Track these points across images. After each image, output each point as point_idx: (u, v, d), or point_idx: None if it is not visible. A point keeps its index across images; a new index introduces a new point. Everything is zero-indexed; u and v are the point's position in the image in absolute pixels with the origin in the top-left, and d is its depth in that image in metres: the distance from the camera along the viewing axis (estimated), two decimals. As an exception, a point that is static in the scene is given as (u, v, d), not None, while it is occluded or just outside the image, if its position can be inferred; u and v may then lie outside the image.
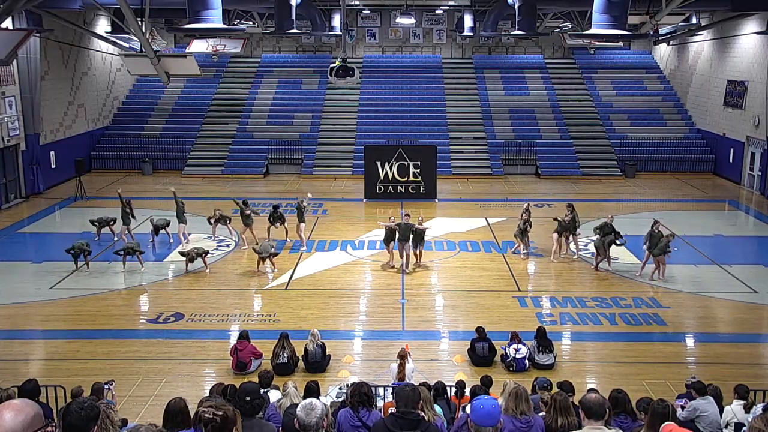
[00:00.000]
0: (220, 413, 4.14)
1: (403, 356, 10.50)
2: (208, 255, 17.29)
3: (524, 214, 18.28)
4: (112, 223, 19.17)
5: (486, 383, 9.41)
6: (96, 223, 19.11)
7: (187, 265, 16.76)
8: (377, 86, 34.10)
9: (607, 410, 5.00)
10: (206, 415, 4.16)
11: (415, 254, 16.94)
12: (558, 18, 28.65)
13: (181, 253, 16.86)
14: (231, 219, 19.27)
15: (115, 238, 18.88)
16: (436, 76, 34.89)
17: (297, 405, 5.04)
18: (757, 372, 11.93)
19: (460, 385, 9.48)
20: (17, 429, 2.91)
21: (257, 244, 17.37)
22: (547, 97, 33.30)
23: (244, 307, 15.11)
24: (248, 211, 18.48)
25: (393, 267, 16.93)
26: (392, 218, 17.40)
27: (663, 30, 31.13)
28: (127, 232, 18.56)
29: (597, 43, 32.01)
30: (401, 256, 16.76)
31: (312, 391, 8.55)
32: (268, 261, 16.80)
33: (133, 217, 18.72)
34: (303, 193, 20.54)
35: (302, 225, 18.60)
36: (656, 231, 16.39)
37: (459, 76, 34.93)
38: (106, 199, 24.19)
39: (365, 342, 13.26)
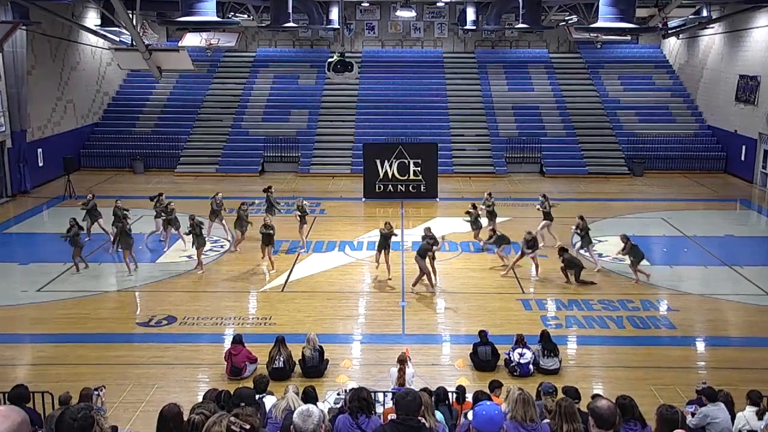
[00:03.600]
0: (247, 427, 4.16)
1: (403, 360, 10.50)
2: (204, 255, 17.35)
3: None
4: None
5: (494, 386, 9.45)
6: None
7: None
8: (377, 82, 34.09)
9: (618, 418, 4.99)
10: (233, 428, 4.18)
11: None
12: (563, 11, 28.61)
13: None
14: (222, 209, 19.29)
15: (111, 239, 18.84)
16: (438, 71, 34.89)
17: (294, 410, 5.05)
18: (769, 377, 11.93)
19: (461, 391, 9.48)
20: (3, 436, 2.91)
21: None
22: (552, 92, 33.30)
23: (239, 309, 15.11)
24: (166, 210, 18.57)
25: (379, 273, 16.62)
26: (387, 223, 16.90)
27: (672, 23, 31.14)
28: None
29: (604, 37, 32.03)
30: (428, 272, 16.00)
31: (309, 396, 8.55)
32: (267, 258, 16.91)
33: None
34: (298, 192, 20.62)
35: (304, 226, 18.70)
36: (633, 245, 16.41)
37: (461, 71, 34.93)
38: (96, 198, 24.13)
39: (364, 346, 13.26)
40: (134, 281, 16.49)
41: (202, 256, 17.19)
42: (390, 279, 16.46)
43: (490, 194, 19.95)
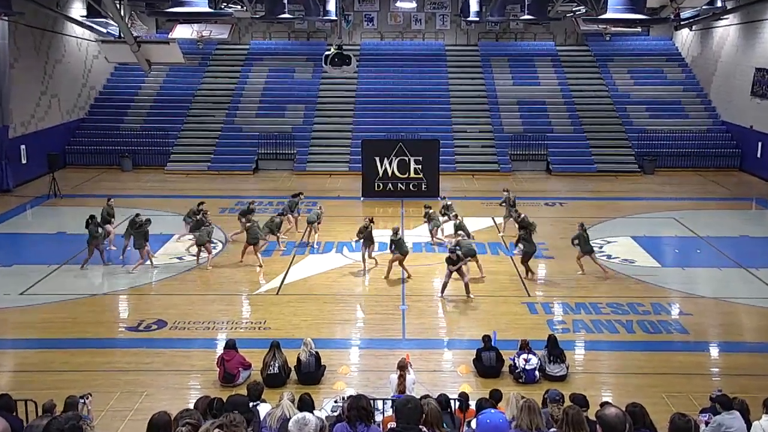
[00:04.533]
0: None
1: (403, 367, 10.51)
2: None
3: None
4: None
5: (496, 398, 9.43)
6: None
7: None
8: (376, 76, 34.11)
9: (628, 426, 5.00)
10: None
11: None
12: (571, 1, 28.63)
13: None
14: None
15: (110, 246, 18.74)
16: (440, 64, 34.91)
17: (290, 419, 5.06)
18: (786, 384, 11.93)
19: (464, 398, 9.49)
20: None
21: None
22: (559, 87, 33.32)
23: (232, 313, 15.11)
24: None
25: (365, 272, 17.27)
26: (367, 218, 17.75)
27: (685, 14, 31.10)
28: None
29: (613, 29, 31.92)
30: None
31: (305, 404, 8.54)
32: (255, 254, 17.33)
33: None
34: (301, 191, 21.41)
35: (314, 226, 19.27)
36: (585, 234, 16.80)
37: (464, 65, 34.95)
38: (82, 198, 24.18)
39: (363, 351, 13.26)
40: (122, 284, 16.48)
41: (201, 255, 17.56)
42: (376, 266, 17.15)
43: (443, 197, 21.32)
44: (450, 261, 15.49)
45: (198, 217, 18.47)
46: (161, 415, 6.07)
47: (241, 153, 29.81)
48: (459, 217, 18.67)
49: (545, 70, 34.41)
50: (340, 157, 29.71)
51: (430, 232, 19.52)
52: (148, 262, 17.29)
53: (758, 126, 28.10)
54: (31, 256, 18.28)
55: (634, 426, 7.01)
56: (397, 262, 16.64)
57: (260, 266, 17.43)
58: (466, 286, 15.43)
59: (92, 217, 17.38)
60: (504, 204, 20.30)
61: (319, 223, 19.47)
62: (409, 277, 16.71)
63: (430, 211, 19.62)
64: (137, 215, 17.71)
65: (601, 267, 16.87)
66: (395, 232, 16.70)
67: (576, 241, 16.81)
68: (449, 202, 20.41)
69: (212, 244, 17.96)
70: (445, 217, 19.70)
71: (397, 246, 16.57)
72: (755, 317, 14.95)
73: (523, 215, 17.97)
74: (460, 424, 8.86)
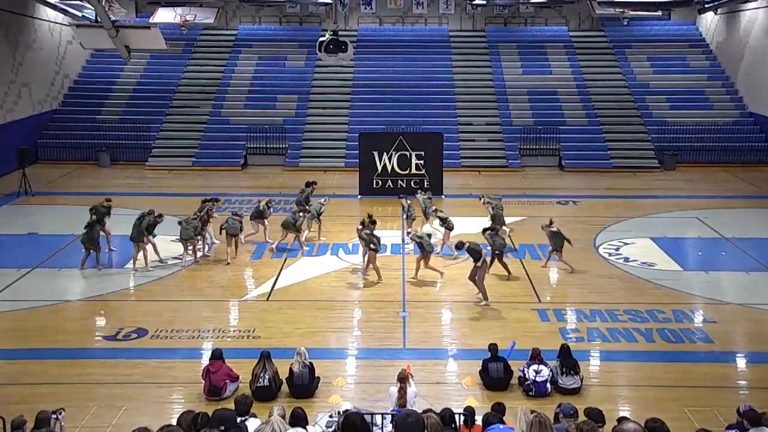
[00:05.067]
0: None
1: (404, 378, 10.53)
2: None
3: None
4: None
5: (499, 411, 9.43)
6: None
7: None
8: (374, 64, 34.15)
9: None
10: None
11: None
12: (586, -17, 28.74)
13: None
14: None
15: (108, 247, 18.65)
16: (443, 51, 34.95)
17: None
18: (818, 397, 11.94)
19: (469, 412, 9.49)
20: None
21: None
22: (573, 76, 33.36)
23: (219, 321, 15.10)
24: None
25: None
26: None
27: (709, -3, 31.22)
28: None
29: (631, 12, 32.07)
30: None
31: (298, 419, 8.55)
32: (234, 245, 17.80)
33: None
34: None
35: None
36: (557, 230, 17.31)
37: (470, 52, 34.99)
38: (55, 195, 24.19)
39: (360, 362, 13.26)
40: (100, 289, 16.47)
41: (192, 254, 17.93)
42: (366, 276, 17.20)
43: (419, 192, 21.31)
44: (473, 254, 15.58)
45: (201, 213, 18.53)
46: None
47: (229, 147, 29.82)
48: (438, 211, 19.16)
49: (558, 58, 34.43)
50: (336, 151, 29.74)
51: (406, 221, 19.71)
52: (129, 264, 17.32)
53: (788, 118, 28.16)
54: (1, 259, 18.25)
55: (654, 443, 7.01)
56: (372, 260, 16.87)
57: (228, 263, 17.81)
58: (483, 288, 15.46)
59: (95, 213, 17.73)
60: (496, 205, 20.04)
61: (320, 215, 19.71)
62: (379, 278, 16.84)
63: (407, 202, 19.85)
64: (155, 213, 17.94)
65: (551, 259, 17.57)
66: (370, 224, 17.03)
67: (556, 231, 17.27)
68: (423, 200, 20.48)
69: (197, 242, 18.12)
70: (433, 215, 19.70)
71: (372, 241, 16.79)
72: (785, 325, 14.96)
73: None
74: (465, 441, 8.86)
